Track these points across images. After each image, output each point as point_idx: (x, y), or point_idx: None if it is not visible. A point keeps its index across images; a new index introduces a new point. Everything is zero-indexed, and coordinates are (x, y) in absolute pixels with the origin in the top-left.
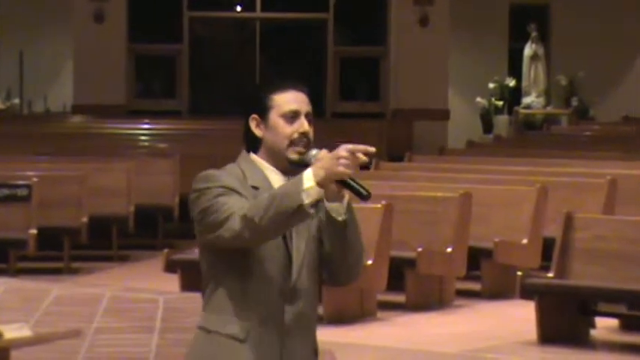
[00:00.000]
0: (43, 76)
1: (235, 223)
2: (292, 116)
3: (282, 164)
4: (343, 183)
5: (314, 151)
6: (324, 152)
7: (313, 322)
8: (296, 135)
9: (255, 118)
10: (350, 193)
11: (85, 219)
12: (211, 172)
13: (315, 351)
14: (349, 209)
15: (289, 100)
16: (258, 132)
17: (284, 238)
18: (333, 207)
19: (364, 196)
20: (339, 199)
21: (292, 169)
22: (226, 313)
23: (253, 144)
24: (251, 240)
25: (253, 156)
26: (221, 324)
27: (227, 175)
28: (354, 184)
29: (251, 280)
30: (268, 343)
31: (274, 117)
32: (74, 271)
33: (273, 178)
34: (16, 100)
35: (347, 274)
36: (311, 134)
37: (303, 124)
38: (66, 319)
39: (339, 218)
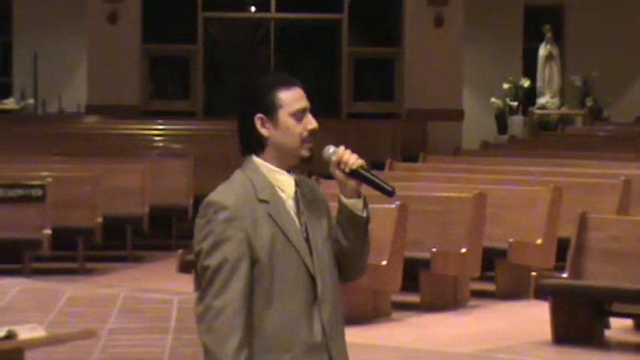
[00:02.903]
0: (57, 77)
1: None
2: (301, 114)
3: (290, 162)
4: (365, 179)
5: (332, 148)
6: (342, 149)
7: (342, 325)
8: (306, 133)
9: (260, 118)
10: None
11: (99, 219)
12: (217, 203)
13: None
14: (366, 204)
15: (296, 97)
16: (264, 132)
17: (299, 249)
18: (351, 203)
19: (389, 192)
20: (357, 195)
21: (302, 165)
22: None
23: (258, 144)
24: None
25: (258, 161)
26: None
27: (233, 210)
28: (378, 181)
29: (283, 310)
30: None
31: (284, 116)
32: (88, 272)
33: (282, 181)
34: (31, 101)
35: (360, 269)
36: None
37: (312, 121)
38: (80, 319)
39: (363, 214)
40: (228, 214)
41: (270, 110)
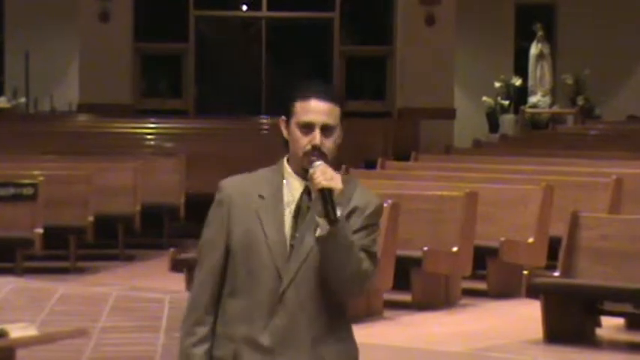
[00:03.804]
0: (49, 76)
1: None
2: (307, 127)
3: (301, 170)
4: (322, 200)
5: (316, 163)
6: (318, 166)
7: (314, 340)
8: (308, 147)
9: (283, 121)
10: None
11: (91, 218)
12: (220, 185)
13: None
14: (332, 224)
15: (307, 110)
16: (285, 134)
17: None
18: (319, 221)
19: (331, 220)
20: (322, 214)
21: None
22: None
23: (284, 144)
24: None
25: (284, 162)
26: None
27: (225, 196)
28: (328, 207)
29: (238, 297)
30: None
31: (293, 124)
32: (80, 270)
33: (292, 184)
34: (23, 100)
35: (343, 290)
36: (327, 147)
37: (315, 137)
38: (72, 318)
39: (316, 234)
40: (219, 198)
41: (288, 116)
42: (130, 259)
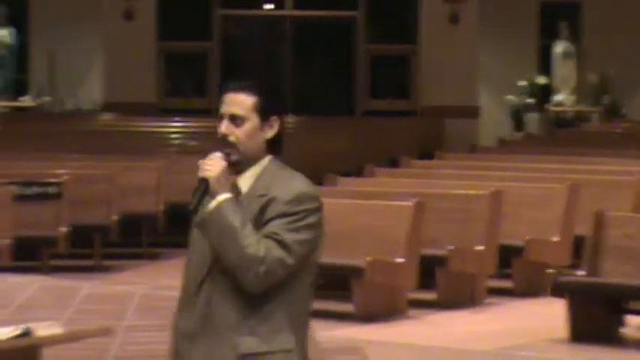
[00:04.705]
0: (73, 74)
1: None
2: (221, 118)
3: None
4: (198, 188)
5: (216, 153)
6: (209, 157)
7: (230, 328)
8: (219, 137)
9: None
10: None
11: (115, 217)
12: None
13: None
14: (211, 212)
15: (221, 102)
16: None
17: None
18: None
19: (188, 209)
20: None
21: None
22: None
23: None
24: None
25: None
26: None
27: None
28: (196, 195)
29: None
30: (172, 346)
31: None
32: (105, 269)
33: (241, 178)
34: (47, 98)
35: (237, 277)
36: (236, 135)
37: (221, 127)
38: (97, 316)
39: (202, 216)
40: None
41: None
42: (154, 257)
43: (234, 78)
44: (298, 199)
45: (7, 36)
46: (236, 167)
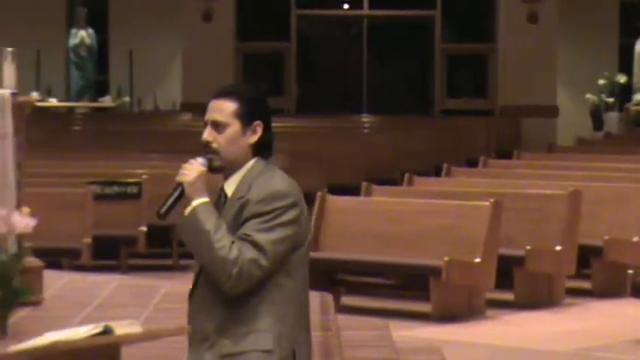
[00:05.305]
0: (152, 75)
1: None
2: (205, 125)
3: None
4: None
5: (198, 159)
6: (189, 162)
7: (212, 333)
8: (202, 143)
9: None
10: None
11: None
12: None
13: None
14: (186, 217)
15: (206, 109)
16: None
17: None
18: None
19: (159, 213)
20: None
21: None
22: None
23: None
24: None
25: None
26: None
27: None
28: (169, 198)
29: None
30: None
31: None
32: (184, 268)
33: (226, 183)
34: (127, 99)
35: (216, 283)
36: (218, 142)
37: (204, 133)
38: (175, 315)
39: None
40: None
41: None
42: None
43: (311, 78)
44: (269, 197)
45: (87, 37)
46: (221, 173)
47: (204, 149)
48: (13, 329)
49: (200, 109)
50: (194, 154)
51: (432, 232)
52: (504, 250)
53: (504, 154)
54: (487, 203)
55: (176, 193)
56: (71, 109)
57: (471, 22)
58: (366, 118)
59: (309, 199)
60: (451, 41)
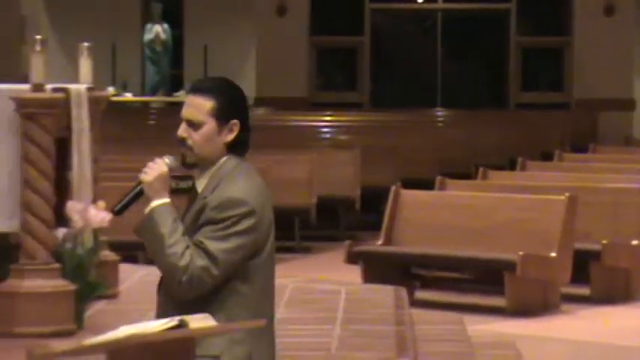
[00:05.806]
0: (226, 69)
1: None
2: (181, 121)
3: None
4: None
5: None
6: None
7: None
8: (177, 139)
9: None
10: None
11: None
12: None
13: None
14: (146, 218)
15: (183, 104)
16: None
17: None
18: None
19: (114, 209)
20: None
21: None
22: None
23: None
24: None
25: None
26: None
27: None
28: (127, 196)
29: None
30: None
31: None
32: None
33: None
34: None
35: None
36: (193, 139)
37: (179, 129)
38: None
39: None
40: None
41: None
42: (306, 251)
43: (385, 72)
44: (224, 205)
45: (162, 32)
46: (194, 169)
47: (179, 144)
48: (89, 322)
49: (274, 103)
50: (267, 148)
51: (506, 226)
52: (580, 245)
53: (580, 148)
54: (562, 197)
55: (134, 192)
56: (146, 103)
57: (546, 15)
58: (440, 112)
59: (384, 192)
60: (526, 34)
